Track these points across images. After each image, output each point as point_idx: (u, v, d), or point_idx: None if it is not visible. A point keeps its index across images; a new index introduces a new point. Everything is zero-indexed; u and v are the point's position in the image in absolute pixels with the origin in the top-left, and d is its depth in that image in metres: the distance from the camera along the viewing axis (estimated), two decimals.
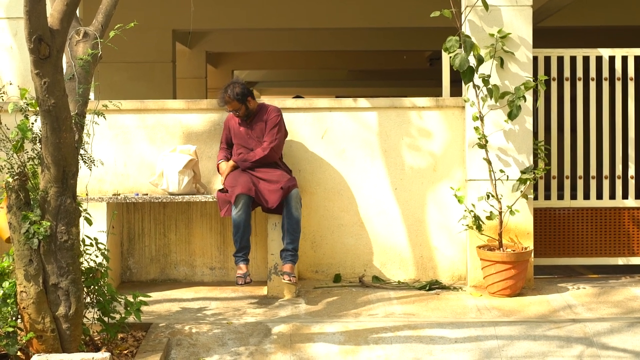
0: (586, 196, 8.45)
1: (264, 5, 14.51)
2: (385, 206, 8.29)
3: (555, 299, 7.50)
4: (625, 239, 8.42)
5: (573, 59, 8.39)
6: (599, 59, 8.38)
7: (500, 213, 7.72)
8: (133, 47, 13.32)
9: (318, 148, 8.27)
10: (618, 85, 8.40)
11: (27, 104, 5.98)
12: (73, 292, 5.61)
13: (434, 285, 8.01)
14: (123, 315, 6.19)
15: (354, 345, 6.40)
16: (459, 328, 6.68)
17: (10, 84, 7.49)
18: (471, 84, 7.76)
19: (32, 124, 5.84)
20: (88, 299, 6.10)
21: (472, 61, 7.67)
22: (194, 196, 7.84)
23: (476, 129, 7.79)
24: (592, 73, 8.37)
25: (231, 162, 7.86)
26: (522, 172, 7.82)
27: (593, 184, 8.41)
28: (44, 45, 5.22)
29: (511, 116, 7.65)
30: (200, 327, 6.68)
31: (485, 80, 7.68)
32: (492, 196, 7.75)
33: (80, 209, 5.79)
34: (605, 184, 8.43)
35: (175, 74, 15.61)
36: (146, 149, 8.30)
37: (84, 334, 5.89)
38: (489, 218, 7.76)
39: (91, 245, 6.30)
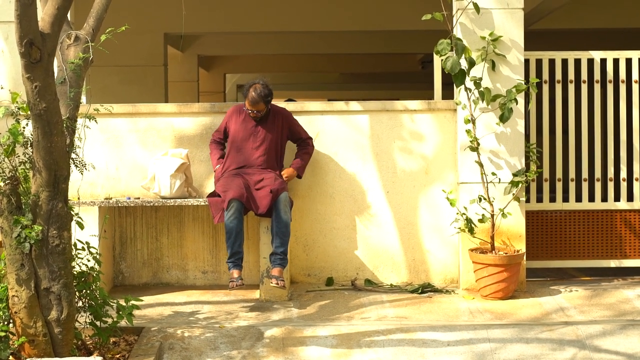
0: (578, 199, 8.45)
1: (256, 8, 14.52)
2: (377, 209, 8.29)
3: (547, 302, 7.51)
4: (617, 241, 8.43)
5: (564, 62, 8.40)
6: (590, 62, 8.39)
7: (492, 216, 7.73)
8: (125, 51, 13.29)
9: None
10: (609, 88, 8.41)
11: (19, 108, 5.98)
12: (65, 296, 5.59)
13: (426, 288, 8.01)
14: (115, 320, 6.18)
15: (347, 349, 6.40)
16: (452, 331, 6.68)
17: (2, 87, 7.47)
18: (463, 86, 7.77)
19: (24, 128, 5.84)
20: (80, 303, 6.09)
21: (464, 64, 7.67)
22: (186, 200, 7.83)
23: (468, 131, 7.80)
24: (584, 75, 8.38)
25: (291, 170, 7.94)
26: (514, 175, 7.83)
27: (585, 186, 8.42)
28: (35, 49, 5.21)
29: (503, 119, 7.65)
30: (193, 331, 6.67)
31: (477, 83, 7.68)
32: (484, 199, 7.75)
33: (72, 213, 5.78)
34: (597, 186, 8.44)
35: (167, 77, 15.62)
36: (138, 153, 8.29)
37: (76, 338, 5.88)
38: (481, 221, 7.77)
39: (83, 249, 6.28)
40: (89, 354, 6.11)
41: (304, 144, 8.08)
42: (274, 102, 8.02)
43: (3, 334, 5.62)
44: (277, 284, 7.37)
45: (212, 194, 7.77)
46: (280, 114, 8.00)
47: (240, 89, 22.89)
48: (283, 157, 8.00)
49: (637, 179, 8.36)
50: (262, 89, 7.78)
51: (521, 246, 7.90)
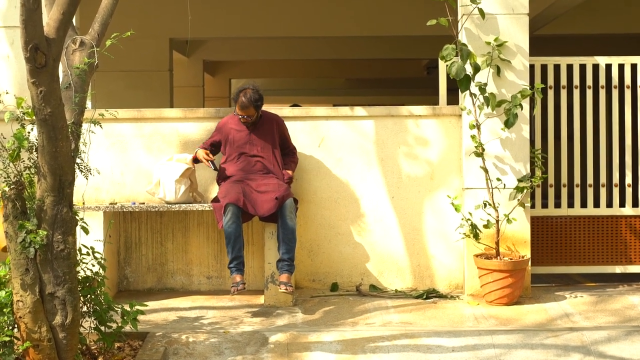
0: (583, 204, 8.45)
1: (262, 13, 14.53)
2: (382, 215, 8.29)
3: (552, 308, 7.50)
4: (622, 247, 8.42)
5: (570, 67, 8.39)
6: (595, 67, 8.39)
7: (497, 221, 7.72)
8: (130, 56, 13.34)
9: (315, 156, 8.27)
10: (615, 93, 8.40)
11: (24, 113, 5.97)
12: (69, 301, 5.59)
13: (431, 294, 8.01)
14: (120, 325, 6.18)
15: (351, 354, 6.39)
16: (456, 337, 6.68)
17: (7, 92, 7.47)
18: (468, 92, 7.76)
19: (29, 133, 5.84)
20: (85, 308, 6.09)
21: (469, 69, 7.67)
22: (190, 205, 7.83)
23: (473, 137, 7.79)
24: (589, 81, 8.38)
25: (290, 173, 7.98)
26: (519, 181, 7.82)
27: (590, 192, 8.41)
28: (40, 54, 5.22)
29: (508, 124, 7.65)
30: (197, 336, 6.67)
31: (482, 88, 7.67)
32: (489, 204, 7.74)
33: (77, 218, 5.78)
34: (602, 192, 8.43)
35: (173, 82, 15.62)
36: (143, 158, 8.30)
37: (80, 343, 5.88)
38: (486, 226, 7.76)
39: (88, 254, 6.29)
40: (94, 359, 6.11)
41: (290, 153, 8.11)
42: (275, 108, 8.03)
43: (8, 338, 5.63)
44: (286, 289, 7.38)
45: (216, 199, 7.78)
46: (273, 120, 8.01)
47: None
48: (281, 160, 7.99)
49: None
50: (252, 94, 7.78)
51: (526, 252, 7.89)
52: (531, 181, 7.83)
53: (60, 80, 5.76)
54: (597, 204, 8.46)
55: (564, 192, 8.41)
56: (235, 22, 14.76)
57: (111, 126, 8.13)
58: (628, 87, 8.39)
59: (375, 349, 6.47)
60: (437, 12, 7.81)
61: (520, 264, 7.59)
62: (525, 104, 7.86)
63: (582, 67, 8.41)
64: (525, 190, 7.80)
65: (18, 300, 5.54)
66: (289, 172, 7.92)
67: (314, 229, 8.31)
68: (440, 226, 8.27)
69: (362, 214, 8.31)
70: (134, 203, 8.04)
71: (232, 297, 7.89)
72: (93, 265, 6.30)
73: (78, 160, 5.91)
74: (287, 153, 8.09)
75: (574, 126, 8.40)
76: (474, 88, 7.75)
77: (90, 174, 6.18)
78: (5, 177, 5.72)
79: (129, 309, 6.22)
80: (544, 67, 8.37)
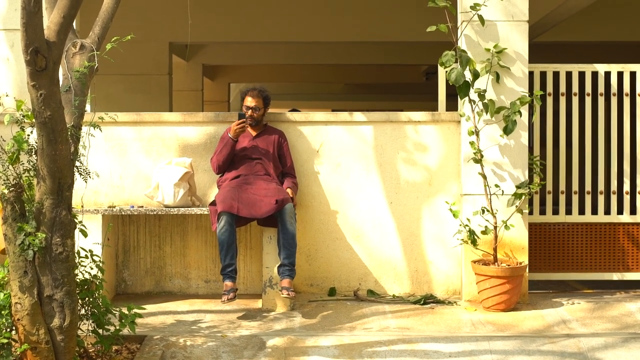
0: (581, 211, 8.45)
1: (261, 18, 14.56)
2: (381, 220, 8.30)
3: (549, 314, 7.51)
4: (620, 254, 8.43)
5: (569, 74, 8.41)
6: (594, 75, 8.40)
7: (495, 228, 7.73)
8: (130, 60, 13.35)
9: (314, 161, 8.28)
10: (614, 101, 8.42)
11: (24, 116, 5.98)
12: (68, 303, 5.59)
13: (428, 300, 8.01)
14: (117, 328, 6.18)
15: (349, 359, 6.40)
16: (454, 342, 6.68)
17: (7, 95, 7.48)
18: (467, 98, 7.78)
19: (28, 135, 5.85)
20: (83, 311, 6.09)
21: (468, 76, 7.68)
22: (189, 209, 7.84)
23: (472, 143, 7.80)
24: (588, 88, 8.39)
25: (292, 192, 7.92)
26: (518, 187, 7.83)
27: (588, 199, 8.42)
28: (41, 57, 5.22)
29: (507, 131, 7.66)
30: (195, 340, 6.68)
31: (481, 94, 7.69)
32: (487, 211, 7.76)
33: (76, 220, 5.79)
34: (600, 199, 8.44)
35: (172, 86, 15.64)
36: (142, 161, 8.31)
37: (78, 345, 5.88)
38: (484, 233, 7.77)
39: (86, 257, 6.29)
40: None
41: (288, 174, 8.09)
42: (274, 113, 8.06)
43: (5, 341, 5.63)
44: (288, 294, 7.40)
45: (213, 202, 7.79)
46: (277, 133, 8.08)
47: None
48: (278, 173, 8.01)
49: None
50: (263, 90, 8.01)
51: (524, 258, 7.90)
52: (529, 188, 7.84)
53: (60, 83, 5.77)
54: (595, 211, 8.47)
55: (562, 199, 8.42)
56: (235, 27, 14.78)
57: (110, 129, 8.14)
58: (627, 94, 8.40)
59: (372, 354, 6.47)
60: (437, 18, 7.83)
61: (518, 271, 7.60)
62: (524, 111, 7.88)
63: (581, 75, 8.42)
64: (523, 197, 7.82)
65: (16, 303, 5.55)
66: (290, 192, 7.89)
67: (312, 233, 8.32)
68: (438, 232, 8.28)
69: (360, 219, 8.31)
70: (133, 206, 8.04)
71: (229, 302, 7.89)
72: (91, 268, 6.31)
73: (77, 163, 5.92)
74: (286, 173, 8.10)
75: (572, 133, 8.41)
76: (473, 94, 7.76)
77: (90, 177, 6.19)
78: (4, 180, 5.73)
79: (126, 312, 6.23)
80: (543, 74, 8.39)
